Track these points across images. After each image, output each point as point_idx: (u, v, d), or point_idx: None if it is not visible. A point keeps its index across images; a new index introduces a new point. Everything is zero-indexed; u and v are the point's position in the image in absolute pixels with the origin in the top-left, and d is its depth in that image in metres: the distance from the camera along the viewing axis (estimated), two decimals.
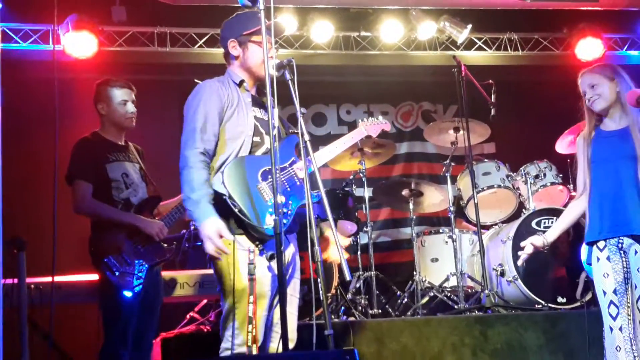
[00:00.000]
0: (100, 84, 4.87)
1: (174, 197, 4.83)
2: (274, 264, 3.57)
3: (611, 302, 3.94)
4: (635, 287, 3.94)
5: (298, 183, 3.85)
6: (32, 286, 5.01)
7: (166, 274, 5.34)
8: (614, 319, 3.91)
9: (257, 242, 3.63)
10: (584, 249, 4.22)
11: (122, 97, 4.81)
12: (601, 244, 4.04)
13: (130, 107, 4.82)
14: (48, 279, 4.98)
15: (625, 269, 3.97)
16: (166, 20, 7.96)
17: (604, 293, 3.97)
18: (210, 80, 3.89)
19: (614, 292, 3.93)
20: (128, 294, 4.39)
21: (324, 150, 4.16)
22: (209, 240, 3.54)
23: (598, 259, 4.03)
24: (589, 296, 5.81)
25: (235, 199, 3.59)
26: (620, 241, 3.99)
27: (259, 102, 3.95)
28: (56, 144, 4.53)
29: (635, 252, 3.96)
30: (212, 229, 3.54)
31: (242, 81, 3.91)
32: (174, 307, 6.04)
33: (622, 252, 3.99)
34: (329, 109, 9.01)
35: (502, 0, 7.53)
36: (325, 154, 4.15)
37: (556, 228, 4.39)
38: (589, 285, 5.74)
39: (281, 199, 3.37)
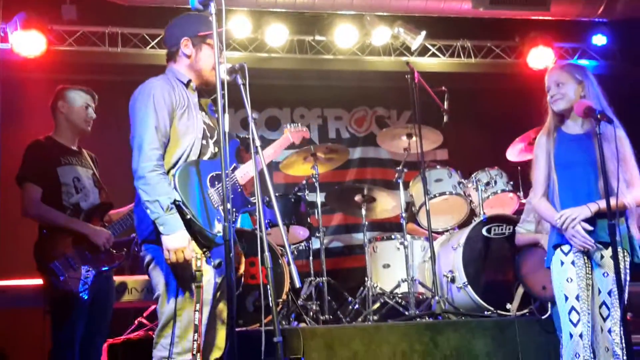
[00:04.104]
0: (64, 86, 4.86)
1: (126, 204, 4.75)
2: (215, 272, 3.55)
3: (572, 307, 3.90)
4: (599, 292, 3.94)
5: (239, 190, 3.80)
6: None
7: (116, 279, 5.25)
8: (575, 325, 3.88)
9: (205, 249, 3.55)
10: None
11: (86, 101, 4.81)
12: (566, 247, 3.98)
13: (91, 113, 4.83)
14: None
15: (588, 275, 3.95)
16: (117, 20, 7.85)
17: (566, 298, 3.93)
18: (155, 78, 3.74)
19: (577, 298, 3.90)
20: (74, 299, 4.31)
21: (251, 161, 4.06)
22: (180, 251, 3.42)
23: (562, 263, 3.98)
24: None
25: (188, 205, 3.50)
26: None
27: (201, 105, 3.86)
28: None
29: (602, 257, 3.95)
30: (185, 240, 3.44)
31: (189, 81, 3.80)
32: (122, 312, 5.94)
33: (585, 257, 3.96)
34: (282, 112, 8.97)
35: (456, 7, 7.58)
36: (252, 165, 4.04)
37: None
38: (528, 299, 5.81)
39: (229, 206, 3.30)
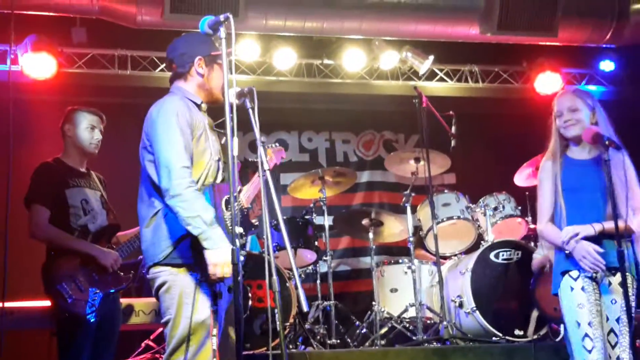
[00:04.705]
0: (72, 108, 4.85)
1: (133, 226, 4.74)
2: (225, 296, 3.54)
3: (586, 334, 3.83)
4: (607, 319, 3.90)
5: (245, 213, 3.80)
6: None
7: (123, 301, 5.24)
8: (589, 352, 3.80)
9: None
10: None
11: (91, 123, 4.78)
12: (574, 273, 3.95)
13: (97, 134, 4.80)
14: None
15: (597, 302, 3.92)
16: (127, 43, 7.90)
17: (578, 324, 3.87)
18: (172, 96, 3.70)
19: (589, 324, 3.85)
20: (81, 321, 4.30)
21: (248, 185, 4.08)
22: (227, 265, 3.32)
23: (572, 289, 3.94)
24: (543, 330, 5.87)
25: None
26: (595, 272, 3.92)
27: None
28: (9, 165, 4.45)
29: (610, 284, 3.92)
30: (230, 254, 3.33)
31: (201, 102, 3.76)
32: (129, 334, 5.92)
33: (594, 283, 3.93)
34: (290, 136, 8.99)
35: (464, 32, 7.60)
36: (250, 189, 4.05)
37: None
38: (542, 322, 5.80)
39: (239, 229, 3.29)
